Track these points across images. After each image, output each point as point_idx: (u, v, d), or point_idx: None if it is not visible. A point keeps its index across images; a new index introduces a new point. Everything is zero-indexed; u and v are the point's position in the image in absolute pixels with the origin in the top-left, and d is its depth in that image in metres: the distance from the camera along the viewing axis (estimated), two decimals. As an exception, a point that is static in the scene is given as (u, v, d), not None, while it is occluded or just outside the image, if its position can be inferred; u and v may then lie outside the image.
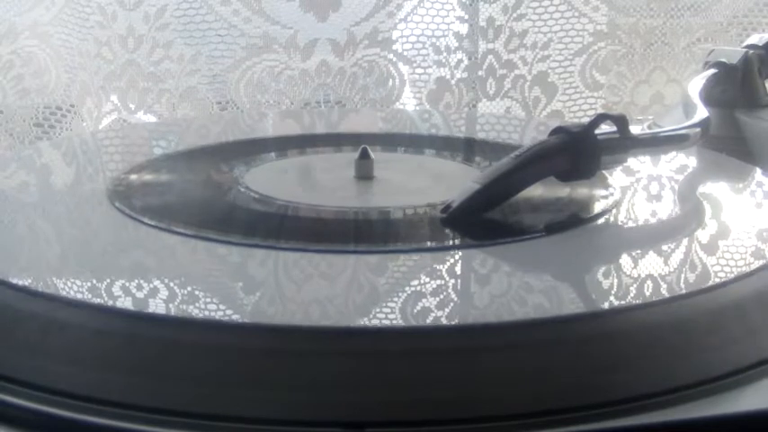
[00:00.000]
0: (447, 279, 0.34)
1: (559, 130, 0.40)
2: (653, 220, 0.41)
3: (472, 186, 0.39)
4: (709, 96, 0.54)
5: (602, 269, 0.36)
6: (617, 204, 0.42)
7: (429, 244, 0.37)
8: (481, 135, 0.61)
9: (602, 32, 0.74)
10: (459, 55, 0.72)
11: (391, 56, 0.72)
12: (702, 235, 0.39)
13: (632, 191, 0.45)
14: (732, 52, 0.58)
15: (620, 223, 0.40)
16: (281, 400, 0.28)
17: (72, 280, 0.34)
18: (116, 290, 0.33)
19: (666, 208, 0.45)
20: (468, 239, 0.38)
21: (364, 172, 0.45)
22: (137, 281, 0.33)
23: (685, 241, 0.39)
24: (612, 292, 0.33)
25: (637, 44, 0.75)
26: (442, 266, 0.35)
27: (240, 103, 0.69)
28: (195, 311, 0.31)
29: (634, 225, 0.41)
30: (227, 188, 0.44)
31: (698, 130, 0.46)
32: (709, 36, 0.76)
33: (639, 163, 0.48)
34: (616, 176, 0.45)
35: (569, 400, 0.28)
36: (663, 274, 0.35)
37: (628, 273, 0.35)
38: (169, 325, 0.30)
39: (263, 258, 0.36)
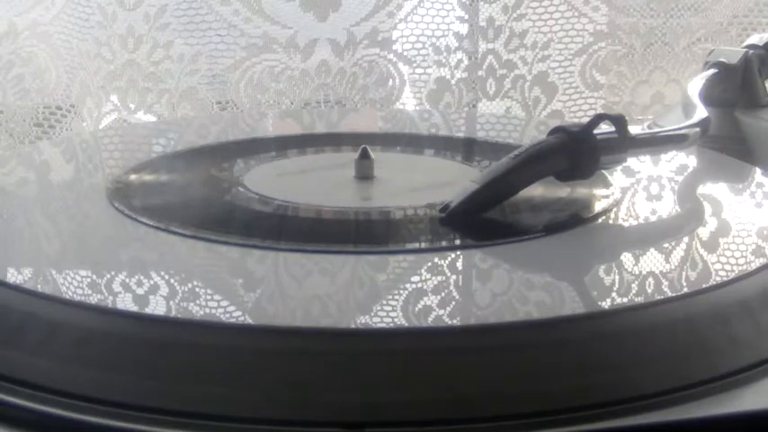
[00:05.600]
0: (446, 279, 0.34)
1: (558, 129, 0.40)
2: (653, 220, 0.41)
3: (471, 186, 0.39)
4: (709, 96, 0.54)
5: (602, 269, 0.36)
6: (617, 204, 0.42)
7: (428, 244, 0.37)
8: (481, 135, 0.61)
9: (602, 32, 0.74)
10: (459, 55, 0.72)
11: (391, 56, 0.72)
12: (702, 234, 0.39)
13: (632, 190, 0.45)
14: (732, 52, 0.58)
15: (619, 223, 0.40)
16: (281, 400, 0.28)
17: (71, 280, 0.34)
18: (116, 290, 0.33)
19: (666, 208, 0.45)
20: (467, 239, 0.38)
21: (364, 172, 0.45)
22: (136, 281, 0.33)
23: (685, 241, 0.39)
24: (612, 292, 0.33)
25: (637, 44, 0.75)
26: (441, 266, 0.35)
27: (240, 103, 0.69)
28: (195, 311, 0.31)
29: (634, 225, 0.41)
30: (227, 188, 0.44)
31: (697, 129, 0.46)
32: (710, 36, 0.76)
33: (639, 163, 0.48)
34: (616, 176, 0.45)
35: (569, 400, 0.28)
36: (663, 273, 0.35)
37: (628, 272, 0.35)
38: (169, 325, 0.30)
39: (263, 258, 0.36)
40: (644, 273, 0.35)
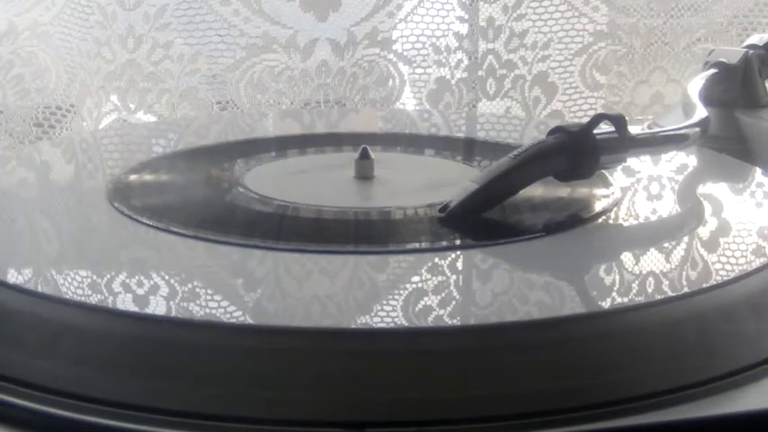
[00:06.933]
0: (446, 279, 0.34)
1: (558, 129, 0.40)
2: (653, 220, 0.41)
3: (470, 186, 0.39)
4: (709, 96, 0.54)
5: (602, 269, 0.36)
6: (617, 204, 0.42)
7: (428, 244, 0.37)
8: (481, 135, 0.61)
9: (602, 32, 0.74)
10: (459, 55, 0.72)
11: (391, 56, 0.72)
12: (702, 235, 0.39)
13: (632, 190, 0.45)
14: (732, 52, 0.58)
15: (620, 223, 0.40)
16: (281, 400, 0.28)
17: (71, 280, 0.34)
18: (116, 290, 0.33)
19: (666, 208, 0.45)
20: (466, 239, 0.38)
21: (364, 172, 0.45)
22: (136, 281, 0.33)
23: (685, 241, 0.39)
24: (612, 292, 0.33)
25: (637, 44, 0.75)
26: (441, 266, 0.35)
27: (240, 103, 0.69)
28: (195, 311, 0.31)
29: (634, 225, 0.41)
30: (227, 188, 0.44)
31: (696, 129, 0.46)
32: (710, 36, 0.76)
33: (639, 163, 0.48)
34: (616, 176, 0.45)
35: (569, 400, 0.28)
36: (663, 273, 0.35)
37: (628, 272, 0.35)
38: (169, 325, 0.30)
39: (263, 258, 0.36)
40: (644, 272, 0.35)
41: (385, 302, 0.32)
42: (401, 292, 0.33)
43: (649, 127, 0.53)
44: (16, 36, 0.65)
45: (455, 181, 0.42)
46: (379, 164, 0.45)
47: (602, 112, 0.46)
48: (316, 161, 0.51)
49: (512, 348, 0.29)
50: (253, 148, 0.52)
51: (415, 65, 0.72)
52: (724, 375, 0.30)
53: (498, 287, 0.34)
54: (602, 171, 0.42)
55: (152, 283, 0.34)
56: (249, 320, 0.31)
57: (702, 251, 0.37)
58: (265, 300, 0.33)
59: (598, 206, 0.41)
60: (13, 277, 0.33)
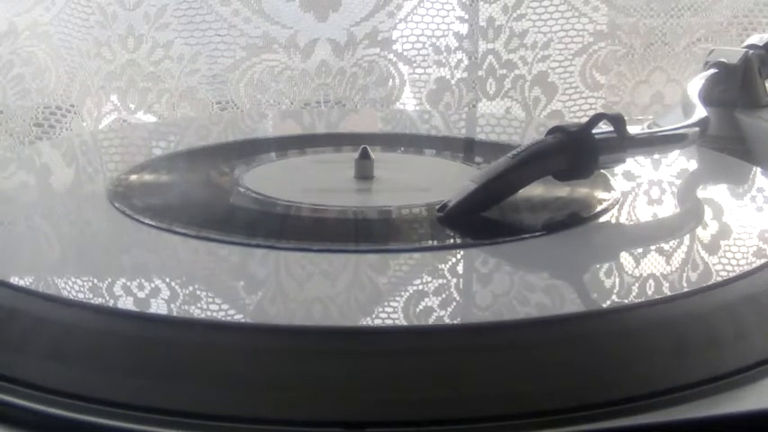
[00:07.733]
0: (445, 279, 0.34)
1: (557, 129, 0.40)
2: (653, 220, 0.41)
3: (469, 185, 0.39)
4: (709, 96, 0.54)
5: (602, 268, 0.36)
6: (617, 203, 0.42)
7: (427, 243, 0.37)
8: (481, 135, 0.61)
9: (602, 32, 0.74)
10: (459, 55, 0.72)
11: (391, 56, 0.72)
12: (702, 234, 0.39)
13: (632, 190, 0.45)
14: (732, 52, 0.58)
15: (619, 222, 0.40)
16: (281, 400, 0.28)
17: (72, 280, 0.34)
18: (116, 290, 0.33)
19: (666, 207, 0.45)
20: (465, 239, 0.38)
21: (364, 172, 0.45)
22: (137, 281, 0.33)
23: (685, 240, 0.39)
24: (612, 292, 0.33)
25: (637, 44, 0.75)
26: (440, 266, 0.35)
27: (240, 103, 0.69)
28: (196, 311, 0.31)
29: (634, 224, 0.41)
30: (228, 188, 0.44)
31: (696, 129, 0.46)
32: (710, 36, 0.76)
33: (640, 162, 0.48)
34: (616, 176, 0.45)
35: (569, 400, 0.28)
36: (663, 273, 0.35)
37: (627, 272, 0.35)
38: (169, 325, 0.30)
39: (264, 258, 0.36)
40: (644, 272, 0.35)
41: (385, 302, 0.32)
42: (400, 291, 0.33)
43: (649, 127, 0.53)
44: (16, 36, 0.65)
45: (455, 181, 0.42)
46: (379, 164, 0.45)
47: (602, 111, 0.46)
48: (316, 161, 0.51)
49: (512, 348, 0.29)
50: (253, 149, 0.52)
51: (415, 65, 0.72)
52: (724, 375, 0.30)
53: (497, 287, 0.34)
54: (602, 171, 0.42)
55: (153, 283, 0.34)
56: (249, 320, 0.31)
57: (702, 251, 0.37)
58: (266, 299, 0.33)
59: (598, 206, 0.41)
60: (13, 278, 0.33)
